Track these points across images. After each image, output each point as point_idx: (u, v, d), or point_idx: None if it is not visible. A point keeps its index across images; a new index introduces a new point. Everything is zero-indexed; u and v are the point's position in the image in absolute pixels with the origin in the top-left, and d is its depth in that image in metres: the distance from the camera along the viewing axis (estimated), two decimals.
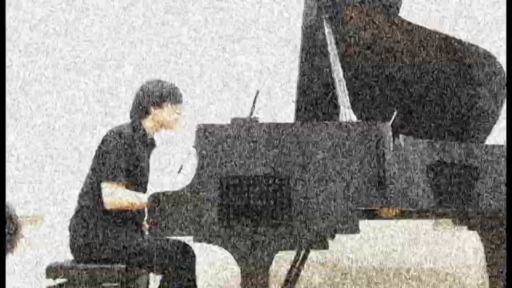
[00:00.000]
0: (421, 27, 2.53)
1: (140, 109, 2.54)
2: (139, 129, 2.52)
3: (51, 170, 3.56)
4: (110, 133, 2.42)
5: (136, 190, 2.44)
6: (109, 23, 3.89)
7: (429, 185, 2.02)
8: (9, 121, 3.61)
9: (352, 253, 3.59)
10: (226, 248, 1.83)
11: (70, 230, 2.44)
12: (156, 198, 1.85)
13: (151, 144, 2.60)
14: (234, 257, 1.83)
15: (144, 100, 2.53)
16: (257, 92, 2.39)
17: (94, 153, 2.47)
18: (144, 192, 2.54)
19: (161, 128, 2.60)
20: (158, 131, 2.61)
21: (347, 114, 2.01)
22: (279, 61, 3.77)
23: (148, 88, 2.54)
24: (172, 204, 1.83)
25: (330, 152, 1.83)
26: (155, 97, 2.52)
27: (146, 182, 2.58)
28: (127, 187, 2.38)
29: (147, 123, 2.55)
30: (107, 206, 2.34)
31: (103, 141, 2.42)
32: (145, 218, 2.56)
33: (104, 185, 2.34)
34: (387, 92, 2.73)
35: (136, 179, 2.45)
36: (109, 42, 3.85)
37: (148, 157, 2.61)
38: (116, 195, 2.32)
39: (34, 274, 3.35)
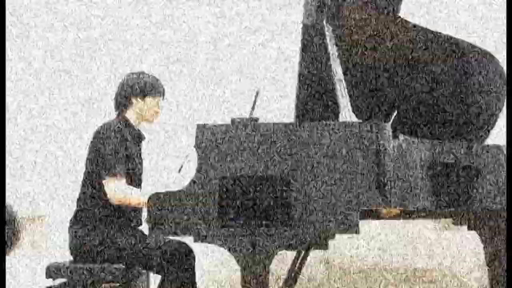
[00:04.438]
0: (421, 27, 2.53)
1: (123, 100, 2.53)
2: (125, 122, 2.52)
3: (51, 170, 3.56)
4: (101, 129, 2.42)
5: (131, 182, 2.44)
6: (108, 22, 3.89)
7: (429, 185, 2.02)
8: (9, 120, 3.61)
9: (352, 253, 3.59)
10: (226, 248, 1.83)
11: (69, 231, 2.44)
12: (156, 198, 1.85)
13: (139, 136, 2.59)
14: (234, 257, 1.83)
15: (127, 91, 2.53)
16: (257, 92, 2.39)
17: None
18: (139, 185, 2.54)
19: (142, 120, 2.59)
20: (140, 123, 2.60)
21: (347, 114, 2.01)
22: (279, 61, 3.77)
23: (131, 79, 2.54)
24: (172, 204, 1.83)
25: (330, 152, 1.83)
26: (137, 88, 2.52)
27: (140, 175, 2.58)
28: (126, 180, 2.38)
29: (130, 115, 2.54)
30: (113, 201, 2.33)
31: (94, 139, 2.42)
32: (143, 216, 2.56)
33: (106, 181, 2.34)
34: (387, 92, 2.73)
35: (131, 171, 2.45)
36: (109, 42, 3.85)
37: (139, 149, 2.61)
38: (121, 190, 2.32)
39: (34, 274, 3.35)
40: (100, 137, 2.39)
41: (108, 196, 2.33)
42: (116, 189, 2.32)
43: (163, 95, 2.60)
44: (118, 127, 2.43)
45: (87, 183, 2.45)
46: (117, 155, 2.36)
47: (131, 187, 2.38)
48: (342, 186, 1.81)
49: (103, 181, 2.35)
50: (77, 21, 3.89)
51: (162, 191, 1.88)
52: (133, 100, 2.52)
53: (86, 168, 2.47)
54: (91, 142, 2.44)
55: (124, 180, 2.36)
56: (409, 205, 1.94)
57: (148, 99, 2.53)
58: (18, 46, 3.81)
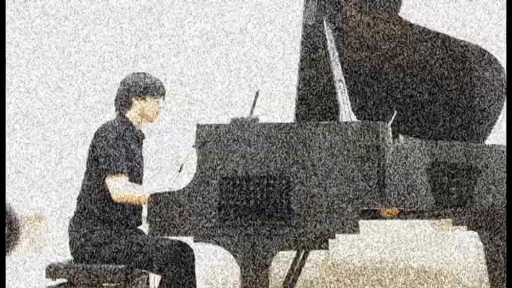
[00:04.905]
0: (421, 27, 2.53)
1: (124, 100, 2.55)
2: (126, 122, 2.53)
3: (51, 170, 3.56)
4: (102, 129, 2.42)
5: (133, 181, 2.44)
6: (108, 22, 3.89)
7: (429, 185, 2.02)
8: (9, 120, 3.61)
9: (352, 253, 3.59)
10: (226, 248, 1.83)
11: (70, 231, 2.44)
12: (156, 198, 1.84)
13: (140, 136, 2.60)
14: (234, 257, 1.83)
15: (128, 92, 2.54)
16: (257, 92, 2.39)
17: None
18: (140, 184, 2.55)
19: (142, 121, 2.60)
20: (141, 123, 2.61)
21: (347, 114, 2.01)
22: (279, 61, 3.77)
23: (132, 80, 2.55)
24: (172, 204, 1.83)
25: (330, 152, 1.83)
26: (138, 89, 2.53)
27: (141, 174, 2.59)
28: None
29: (132, 115, 2.56)
30: (115, 199, 2.33)
31: (96, 138, 2.42)
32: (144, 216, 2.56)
33: (108, 179, 2.34)
34: (387, 92, 2.73)
35: (132, 170, 2.46)
36: (109, 42, 3.85)
37: (140, 149, 2.61)
38: (124, 188, 2.32)
39: (34, 274, 3.35)
40: (101, 137, 2.39)
41: (111, 194, 2.33)
42: (120, 187, 2.32)
43: (164, 95, 2.61)
44: (119, 126, 2.44)
45: (88, 183, 2.45)
46: (120, 153, 2.36)
47: (134, 184, 2.38)
48: (342, 186, 1.81)
49: (106, 179, 2.35)
50: (77, 22, 3.89)
51: (162, 191, 1.87)
52: (134, 100, 2.53)
53: (87, 167, 2.47)
54: (93, 141, 2.44)
55: (127, 178, 2.36)
56: (409, 205, 1.93)
57: (149, 99, 2.54)
58: (19, 46, 3.81)
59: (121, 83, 2.59)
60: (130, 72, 2.64)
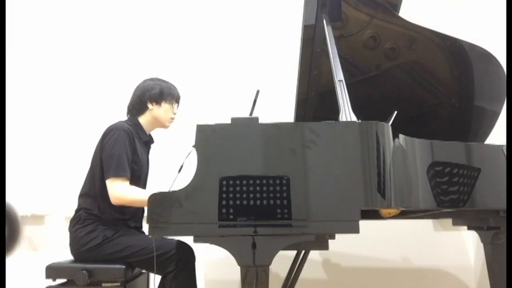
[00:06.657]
0: (420, 27, 2.53)
1: (139, 105, 2.56)
2: (137, 125, 2.54)
3: (51, 170, 3.55)
4: (111, 129, 2.42)
5: (138, 185, 2.44)
6: (108, 22, 3.89)
7: (429, 185, 2.02)
8: (9, 120, 3.61)
9: (352, 253, 3.59)
10: (226, 248, 1.83)
11: (70, 231, 2.44)
12: (156, 198, 1.84)
13: (149, 141, 2.62)
14: (234, 257, 1.83)
15: (143, 96, 2.56)
16: (257, 92, 2.39)
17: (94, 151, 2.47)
18: (144, 188, 2.55)
19: (155, 126, 2.61)
20: (153, 128, 2.62)
21: (347, 114, 2.00)
22: (279, 61, 3.77)
23: (148, 85, 2.57)
24: (172, 204, 1.82)
25: (330, 152, 1.83)
26: (154, 94, 2.55)
27: (146, 178, 2.59)
28: (130, 182, 2.38)
29: (144, 120, 2.57)
30: (113, 202, 2.33)
31: (104, 138, 2.42)
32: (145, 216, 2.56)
33: (109, 181, 2.34)
34: (387, 92, 2.73)
35: (137, 174, 2.46)
36: (109, 42, 3.85)
37: (147, 153, 2.62)
38: (123, 191, 2.32)
39: (34, 274, 3.34)
40: (109, 137, 2.40)
41: (110, 196, 2.33)
42: (119, 190, 2.32)
43: (179, 101, 2.63)
44: (129, 129, 2.44)
45: (90, 183, 2.45)
46: (124, 156, 2.36)
47: (134, 187, 2.38)
48: (342, 186, 1.80)
49: (107, 181, 2.34)
50: (80, 22, 3.89)
51: (162, 191, 1.87)
52: (149, 106, 2.55)
53: (91, 167, 2.47)
54: (100, 141, 2.44)
55: (128, 182, 2.36)
56: (409, 205, 1.93)
57: (164, 105, 2.56)
58: (19, 45, 3.81)
59: (136, 88, 2.60)
60: (146, 78, 2.65)
